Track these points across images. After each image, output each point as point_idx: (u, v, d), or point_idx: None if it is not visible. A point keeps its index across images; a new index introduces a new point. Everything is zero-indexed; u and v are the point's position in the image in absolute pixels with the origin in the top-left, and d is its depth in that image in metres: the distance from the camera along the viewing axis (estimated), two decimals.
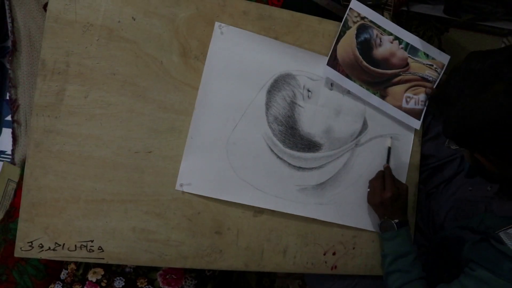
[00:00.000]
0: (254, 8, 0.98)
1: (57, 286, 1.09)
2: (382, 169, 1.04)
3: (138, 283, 1.10)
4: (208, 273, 1.17)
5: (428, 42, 1.06)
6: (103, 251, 0.92)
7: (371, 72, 1.05)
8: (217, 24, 0.96)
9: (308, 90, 1.02)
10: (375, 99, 1.06)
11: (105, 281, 1.09)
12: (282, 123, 1.00)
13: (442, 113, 0.79)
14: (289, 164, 1.01)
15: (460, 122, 0.74)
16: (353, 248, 1.05)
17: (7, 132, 1.25)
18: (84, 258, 0.91)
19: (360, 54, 1.03)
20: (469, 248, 0.87)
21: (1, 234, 1.14)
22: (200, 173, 0.96)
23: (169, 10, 0.94)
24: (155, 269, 1.12)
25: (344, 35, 1.03)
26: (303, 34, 1.01)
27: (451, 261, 0.96)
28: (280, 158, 1.01)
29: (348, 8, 1.02)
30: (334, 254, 1.04)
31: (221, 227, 0.97)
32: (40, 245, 0.89)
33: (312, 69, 1.02)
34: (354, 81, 1.04)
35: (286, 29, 1.00)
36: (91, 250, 0.91)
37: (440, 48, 1.27)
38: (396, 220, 0.98)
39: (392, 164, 1.06)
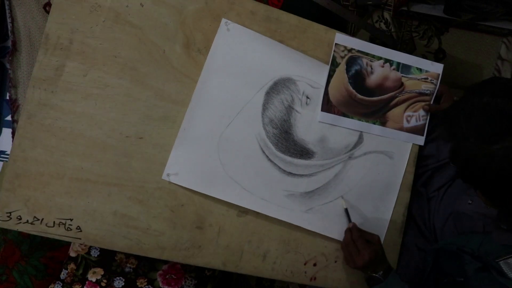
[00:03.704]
0: (262, 9, 0.99)
1: (57, 286, 1.09)
2: (350, 225, 0.99)
3: (138, 283, 1.09)
4: (208, 273, 1.16)
5: (428, 42, 1.06)
6: (81, 231, 0.91)
7: (368, 103, 1.04)
8: (223, 20, 0.97)
9: (307, 97, 1.02)
10: (375, 129, 1.05)
11: (104, 281, 1.08)
12: (277, 126, 1.00)
13: (449, 139, 0.76)
14: (280, 168, 1.00)
15: (484, 165, 0.70)
16: (335, 262, 1.03)
17: (7, 132, 1.27)
18: (61, 235, 0.90)
19: (354, 88, 1.03)
20: (471, 276, 0.85)
21: (1, 234, 1.14)
22: (189, 165, 0.95)
23: (178, 1, 0.95)
24: (155, 269, 1.11)
25: (333, 74, 1.02)
26: (308, 40, 1.02)
27: (448, 273, 0.94)
28: (271, 161, 1.00)
29: (334, 44, 1.02)
30: (315, 265, 1.02)
31: (203, 223, 0.96)
32: (19, 217, 0.88)
33: (313, 76, 1.02)
34: (352, 118, 1.04)
35: (292, 33, 1.01)
36: (69, 229, 0.90)
37: (440, 48, 1.28)
38: (381, 272, 0.93)
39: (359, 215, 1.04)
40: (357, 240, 0.95)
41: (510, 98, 0.70)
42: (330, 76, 1.02)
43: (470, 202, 1.00)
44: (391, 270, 0.95)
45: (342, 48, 1.03)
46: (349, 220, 1.01)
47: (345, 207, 1.02)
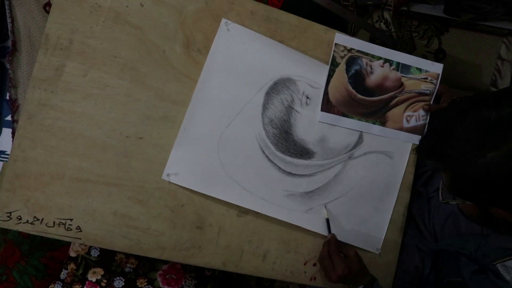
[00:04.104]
0: (262, 9, 0.99)
1: (57, 286, 1.09)
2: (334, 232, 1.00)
3: (138, 283, 1.09)
4: (208, 273, 1.16)
5: (428, 42, 1.06)
6: (81, 231, 0.91)
7: (368, 103, 1.04)
8: (223, 20, 0.97)
9: (307, 97, 1.02)
10: (375, 129, 1.05)
11: (104, 281, 1.08)
12: (277, 126, 1.00)
13: (446, 168, 0.74)
14: (279, 168, 1.00)
15: (478, 178, 0.68)
16: None
17: (7, 132, 1.27)
18: (61, 235, 0.90)
19: (354, 88, 1.03)
20: (468, 278, 0.85)
21: (1, 234, 1.14)
22: (189, 165, 0.95)
23: (178, 1, 0.95)
24: (155, 269, 1.11)
25: (333, 74, 1.02)
26: (308, 40, 1.02)
27: (446, 275, 0.94)
28: (271, 161, 1.00)
29: (334, 44, 1.02)
30: (314, 265, 1.02)
31: (203, 223, 0.96)
32: (19, 217, 0.88)
33: (313, 76, 1.02)
34: (352, 118, 1.04)
35: (291, 33, 1.01)
36: (69, 229, 0.90)
37: (440, 48, 1.29)
38: (361, 286, 0.94)
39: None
40: (332, 254, 0.95)
41: (495, 108, 0.68)
42: (330, 76, 1.02)
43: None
44: (374, 282, 0.94)
45: (342, 48, 1.03)
46: (329, 231, 1.00)
47: (326, 217, 1.01)
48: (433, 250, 1.00)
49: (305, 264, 1.02)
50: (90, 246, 1.10)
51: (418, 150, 0.99)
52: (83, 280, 1.08)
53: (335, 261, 0.93)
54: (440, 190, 0.83)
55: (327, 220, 1.01)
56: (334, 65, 1.02)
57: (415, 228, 1.11)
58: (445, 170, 0.75)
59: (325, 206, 1.02)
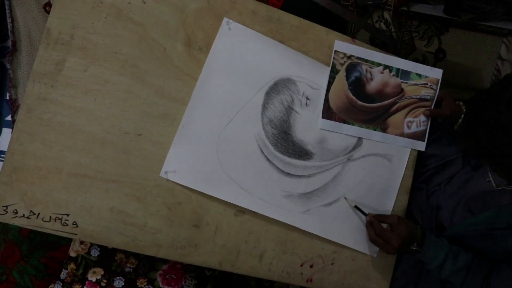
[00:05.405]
0: (263, 9, 0.99)
1: (57, 286, 1.08)
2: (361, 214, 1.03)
3: (138, 283, 1.09)
4: (208, 273, 1.16)
5: (428, 42, 1.06)
6: (77, 226, 0.90)
7: (368, 109, 1.05)
8: (225, 19, 0.97)
9: (307, 98, 1.02)
10: (376, 135, 1.06)
11: (104, 281, 1.08)
12: (276, 126, 1.00)
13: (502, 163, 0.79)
14: (278, 168, 1.00)
15: None
16: (332, 264, 1.03)
17: (7, 132, 1.26)
18: (57, 230, 0.90)
19: (354, 94, 1.04)
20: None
21: (1, 234, 1.14)
22: (187, 163, 0.95)
23: None
24: (155, 269, 1.10)
25: (333, 81, 1.03)
26: (309, 42, 1.02)
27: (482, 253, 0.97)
28: (270, 161, 1.00)
29: (333, 51, 1.02)
30: (311, 266, 1.02)
31: (200, 221, 0.96)
32: (15, 211, 0.88)
33: (313, 77, 1.02)
34: (352, 124, 1.04)
35: (293, 34, 1.01)
36: (65, 224, 0.90)
37: (440, 48, 1.29)
38: (415, 244, 0.96)
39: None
40: (380, 233, 0.97)
41: None
42: (330, 83, 1.02)
43: (489, 180, 0.99)
44: (425, 237, 0.96)
45: (341, 55, 1.03)
46: (364, 214, 1.02)
47: (353, 205, 1.02)
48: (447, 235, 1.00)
49: (301, 265, 1.01)
50: (90, 246, 1.09)
51: (458, 138, 1.00)
52: (83, 280, 1.08)
53: (386, 237, 0.95)
54: (491, 178, 0.87)
55: (356, 207, 1.02)
56: (334, 72, 1.02)
57: None
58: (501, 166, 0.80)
59: (345, 198, 1.03)
